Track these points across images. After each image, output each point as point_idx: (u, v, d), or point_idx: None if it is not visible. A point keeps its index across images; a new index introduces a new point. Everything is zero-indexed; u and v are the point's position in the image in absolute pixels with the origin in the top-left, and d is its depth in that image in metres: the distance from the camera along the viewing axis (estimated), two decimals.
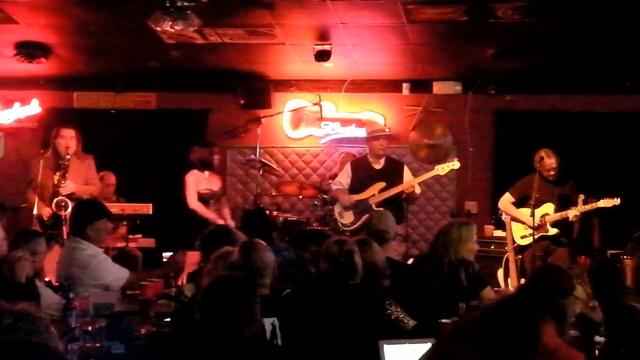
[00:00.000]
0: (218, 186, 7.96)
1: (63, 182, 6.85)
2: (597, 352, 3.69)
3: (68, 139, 6.98)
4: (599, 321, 3.74)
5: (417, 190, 7.62)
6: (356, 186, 7.62)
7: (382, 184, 7.52)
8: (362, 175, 7.65)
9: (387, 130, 8.26)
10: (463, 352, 2.90)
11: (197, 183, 7.80)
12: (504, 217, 7.62)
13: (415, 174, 7.98)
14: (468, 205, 9.34)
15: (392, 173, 7.61)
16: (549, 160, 7.37)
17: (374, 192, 7.52)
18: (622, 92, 9.06)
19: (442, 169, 7.71)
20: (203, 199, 7.76)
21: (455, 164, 7.70)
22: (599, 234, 7.75)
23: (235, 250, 4.25)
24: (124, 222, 7.79)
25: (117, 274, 5.36)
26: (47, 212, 6.80)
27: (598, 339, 4.28)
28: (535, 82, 9.13)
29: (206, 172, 7.88)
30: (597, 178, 7.97)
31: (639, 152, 8.86)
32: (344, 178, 7.73)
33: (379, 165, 7.69)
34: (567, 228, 7.39)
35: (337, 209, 7.76)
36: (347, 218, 7.65)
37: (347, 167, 7.83)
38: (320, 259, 4.48)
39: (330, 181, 8.26)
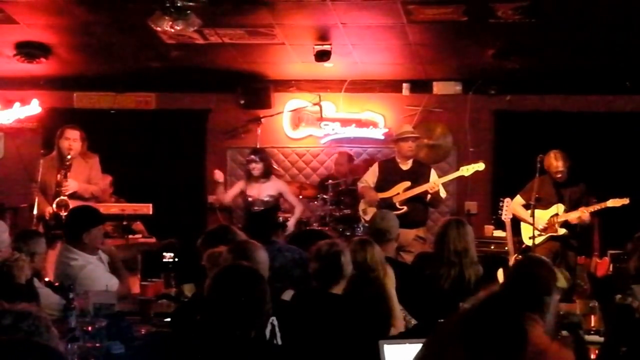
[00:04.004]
0: (269, 194, 7.77)
1: (65, 181, 6.87)
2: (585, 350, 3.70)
3: (72, 140, 7.02)
4: (578, 321, 3.74)
5: (442, 193, 7.64)
6: (382, 185, 7.68)
7: (407, 183, 7.56)
8: (389, 175, 7.70)
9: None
10: (452, 351, 2.89)
11: (243, 186, 7.84)
12: (504, 217, 7.62)
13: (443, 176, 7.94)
14: (468, 205, 9.34)
15: (418, 174, 7.63)
16: (556, 163, 7.42)
17: (399, 191, 7.56)
18: (622, 92, 9.06)
19: (466, 170, 7.72)
20: (248, 203, 7.76)
21: (480, 166, 7.72)
22: (599, 234, 7.75)
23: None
24: (139, 220, 7.84)
25: (105, 283, 5.31)
26: (48, 211, 6.83)
27: (597, 338, 4.28)
28: (535, 82, 9.12)
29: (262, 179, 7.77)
30: (596, 178, 7.95)
31: (639, 152, 8.86)
32: (371, 177, 7.79)
33: (406, 166, 7.73)
34: (575, 229, 7.44)
35: (361, 205, 7.82)
36: (371, 215, 7.65)
37: (375, 167, 7.89)
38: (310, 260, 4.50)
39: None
